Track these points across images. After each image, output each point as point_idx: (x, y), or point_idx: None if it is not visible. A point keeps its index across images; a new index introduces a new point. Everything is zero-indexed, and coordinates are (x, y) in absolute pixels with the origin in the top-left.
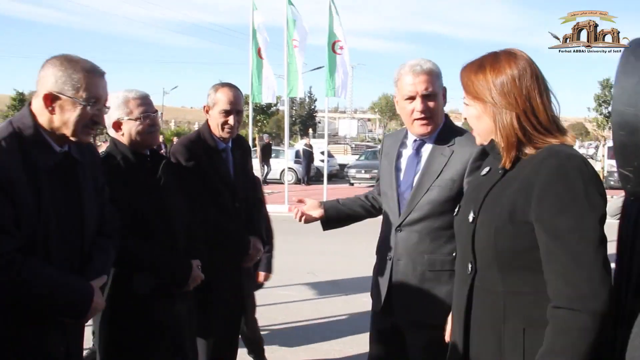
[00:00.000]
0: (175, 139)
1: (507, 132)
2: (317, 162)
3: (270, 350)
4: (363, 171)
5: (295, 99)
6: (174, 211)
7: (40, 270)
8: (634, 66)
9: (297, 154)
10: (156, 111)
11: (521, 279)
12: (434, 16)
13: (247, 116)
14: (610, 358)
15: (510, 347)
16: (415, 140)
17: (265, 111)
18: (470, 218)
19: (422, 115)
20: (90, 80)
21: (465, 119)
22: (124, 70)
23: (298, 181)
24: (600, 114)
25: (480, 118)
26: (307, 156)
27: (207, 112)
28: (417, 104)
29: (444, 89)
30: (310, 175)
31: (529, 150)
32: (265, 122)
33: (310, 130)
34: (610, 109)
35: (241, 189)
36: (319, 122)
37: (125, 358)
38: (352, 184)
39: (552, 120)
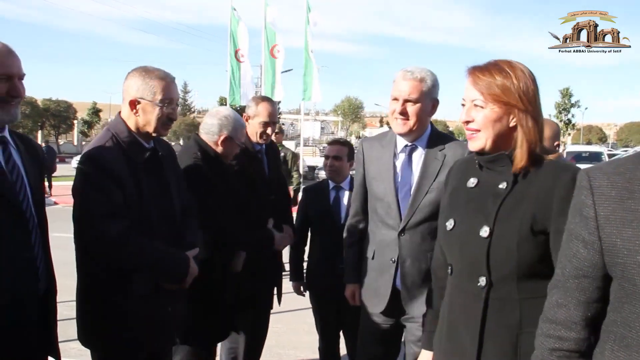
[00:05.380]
0: None
1: (531, 137)
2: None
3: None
4: None
5: None
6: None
7: (146, 244)
8: None
9: None
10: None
11: (537, 285)
12: (396, 19)
13: None
14: None
15: (527, 349)
16: (406, 146)
17: (240, 113)
18: (485, 233)
19: (400, 117)
20: (163, 85)
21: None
22: (81, 66)
23: None
24: (560, 121)
25: (498, 121)
26: None
27: (246, 120)
28: (398, 105)
29: (435, 100)
30: None
31: (529, 164)
32: None
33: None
34: (570, 115)
35: (275, 184)
36: (283, 124)
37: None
38: None
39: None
